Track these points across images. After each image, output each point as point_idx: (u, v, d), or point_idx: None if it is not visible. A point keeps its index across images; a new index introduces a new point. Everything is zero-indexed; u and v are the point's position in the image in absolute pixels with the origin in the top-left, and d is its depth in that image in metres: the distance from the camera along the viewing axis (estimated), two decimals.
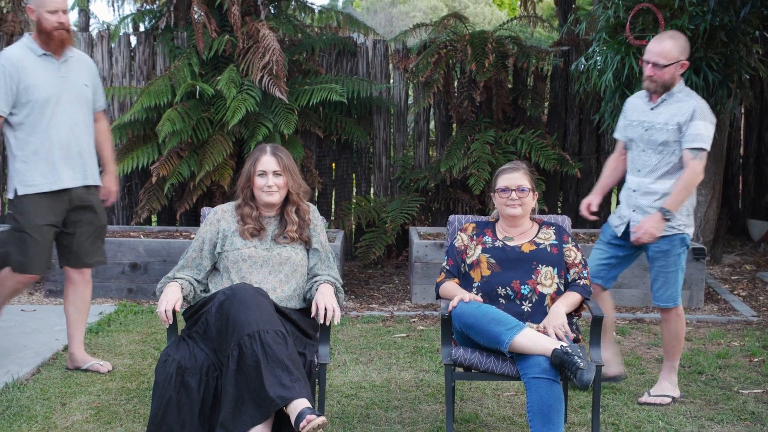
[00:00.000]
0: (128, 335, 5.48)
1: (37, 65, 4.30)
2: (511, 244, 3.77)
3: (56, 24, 4.22)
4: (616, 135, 4.59)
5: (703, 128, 4.18)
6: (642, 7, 6.20)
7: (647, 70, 4.22)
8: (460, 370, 3.66)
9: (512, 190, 3.75)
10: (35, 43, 4.31)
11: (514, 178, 3.77)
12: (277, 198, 3.63)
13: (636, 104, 4.43)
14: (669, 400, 4.27)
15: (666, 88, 4.25)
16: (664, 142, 4.24)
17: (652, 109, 4.30)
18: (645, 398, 4.28)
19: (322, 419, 3.04)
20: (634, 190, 4.33)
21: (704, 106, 4.24)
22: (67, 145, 4.38)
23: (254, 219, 3.64)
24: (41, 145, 4.32)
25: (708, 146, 4.17)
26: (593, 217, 4.57)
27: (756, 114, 9.31)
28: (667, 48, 4.17)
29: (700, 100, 4.28)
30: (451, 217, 4.14)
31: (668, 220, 4.17)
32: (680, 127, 4.19)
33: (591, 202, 4.54)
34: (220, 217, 3.67)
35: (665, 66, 4.18)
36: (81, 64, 4.53)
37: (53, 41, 4.26)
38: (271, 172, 3.60)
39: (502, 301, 3.65)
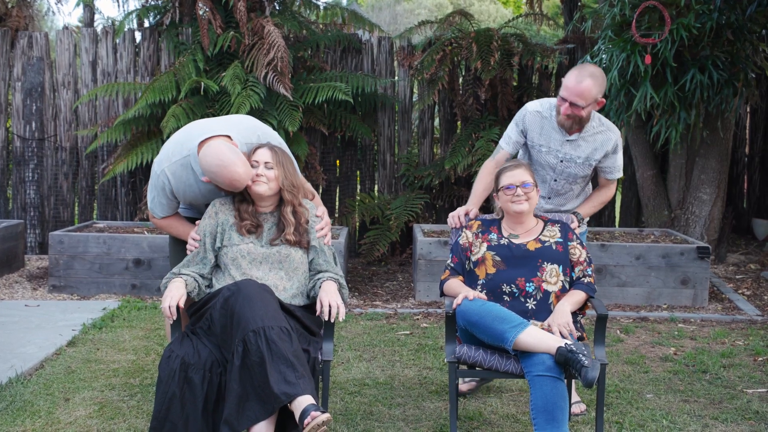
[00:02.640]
0: (132, 331, 5.48)
1: (200, 185, 3.71)
2: (516, 241, 3.76)
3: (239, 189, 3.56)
4: (503, 144, 4.23)
5: (621, 159, 4.19)
6: (648, 5, 6.19)
7: (564, 109, 3.93)
8: (464, 367, 3.65)
9: (517, 186, 3.74)
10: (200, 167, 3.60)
11: (518, 174, 3.76)
12: (264, 189, 3.58)
13: (544, 127, 4.12)
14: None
15: (582, 124, 4.05)
16: (584, 176, 4.17)
17: (568, 140, 4.08)
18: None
19: (326, 416, 3.04)
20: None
21: (620, 136, 4.17)
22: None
23: (250, 214, 3.62)
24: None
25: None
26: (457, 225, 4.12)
27: (761, 113, 9.30)
28: (586, 89, 3.89)
29: (616, 129, 4.16)
30: None
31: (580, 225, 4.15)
32: (600, 160, 4.12)
33: (468, 210, 4.10)
34: (218, 210, 3.66)
35: (584, 107, 3.94)
36: None
37: (225, 191, 3.65)
38: (262, 163, 3.58)
39: (506, 298, 3.65)
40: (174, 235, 3.89)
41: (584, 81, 3.90)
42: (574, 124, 4.02)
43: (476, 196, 4.18)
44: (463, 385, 4.31)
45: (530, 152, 4.21)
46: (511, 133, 4.22)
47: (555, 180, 4.16)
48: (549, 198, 4.21)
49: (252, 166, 3.58)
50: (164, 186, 3.70)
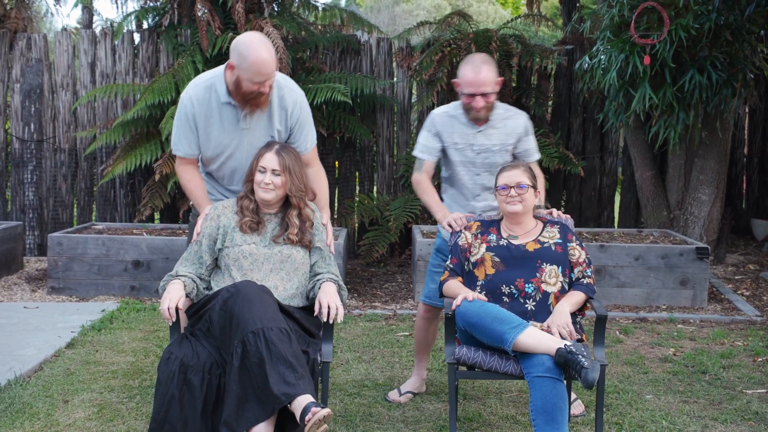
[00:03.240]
0: (131, 332, 5.48)
1: (221, 112, 3.74)
2: (515, 242, 3.76)
3: (255, 92, 3.62)
4: (423, 155, 4.22)
5: (534, 140, 4.27)
6: (647, 5, 6.19)
7: (477, 103, 4.01)
8: (464, 368, 3.65)
9: (511, 187, 3.74)
10: (225, 87, 3.70)
11: (513, 175, 3.76)
12: (272, 196, 3.61)
13: (454, 125, 4.16)
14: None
15: (491, 110, 4.13)
16: (503, 163, 4.16)
17: (479, 131, 4.13)
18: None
19: (327, 410, 3.03)
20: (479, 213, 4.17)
21: (528, 118, 4.26)
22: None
23: (251, 212, 3.63)
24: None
25: None
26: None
27: (760, 113, 9.30)
28: (486, 76, 4.00)
29: (523, 113, 4.25)
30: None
31: None
32: (514, 145, 4.19)
33: (459, 217, 4.04)
34: (220, 213, 3.67)
35: (492, 92, 4.03)
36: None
37: (246, 104, 3.68)
38: (270, 170, 3.59)
39: (505, 299, 3.64)
40: (191, 198, 3.88)
41: (481, 70, 4.02)
42: (488, 112, 4.10)
43: (440, 207, 4.16)
44: (401, 398, 4.31)
45: (449, 155, 4.21)
46: (424, 140, 4.23)
47: (478, 174, 4.19)
48: (478, 195, 4.22)
49: (259, 171, 3.60)
50: (187, 113, 3.73)
